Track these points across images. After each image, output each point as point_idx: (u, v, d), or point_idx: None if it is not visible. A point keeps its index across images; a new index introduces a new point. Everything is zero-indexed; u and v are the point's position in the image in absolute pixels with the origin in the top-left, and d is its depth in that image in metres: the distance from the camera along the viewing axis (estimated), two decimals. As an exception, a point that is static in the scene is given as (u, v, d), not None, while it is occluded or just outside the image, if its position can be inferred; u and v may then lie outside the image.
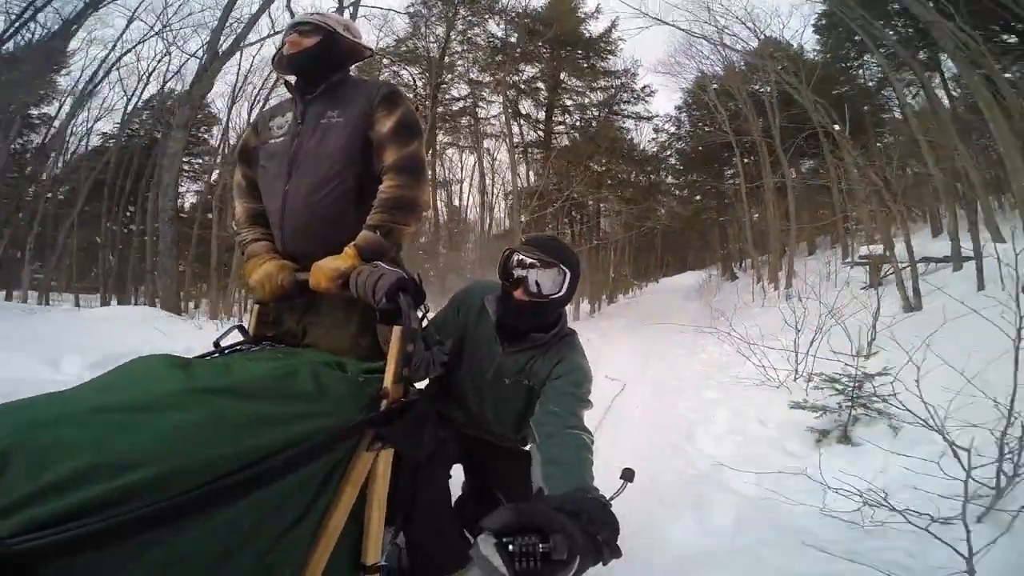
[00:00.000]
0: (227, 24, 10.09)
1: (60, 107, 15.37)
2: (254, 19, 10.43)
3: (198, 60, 13.44)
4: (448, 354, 1.41)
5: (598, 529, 0.80)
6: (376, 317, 1.20)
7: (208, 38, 10.84)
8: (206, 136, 21.57)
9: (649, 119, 19.00)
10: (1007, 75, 9.63)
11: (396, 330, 1.13)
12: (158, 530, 0.63)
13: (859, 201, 10.98)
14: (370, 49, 1.59)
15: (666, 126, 19.76)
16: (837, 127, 11.27)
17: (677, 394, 4.31)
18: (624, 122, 18.69)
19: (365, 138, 1.39)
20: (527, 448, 1.54)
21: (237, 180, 1.59)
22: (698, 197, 20.72)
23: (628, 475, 1.11)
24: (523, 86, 17.72)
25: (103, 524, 0.59)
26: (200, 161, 22.01)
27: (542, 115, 17.78)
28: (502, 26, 17.36)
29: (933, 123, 10.70)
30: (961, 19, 8.50)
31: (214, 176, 17.36)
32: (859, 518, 1.83)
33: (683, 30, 15.10)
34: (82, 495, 0.61)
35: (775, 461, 2.47)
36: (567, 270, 1.34)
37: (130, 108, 17.04)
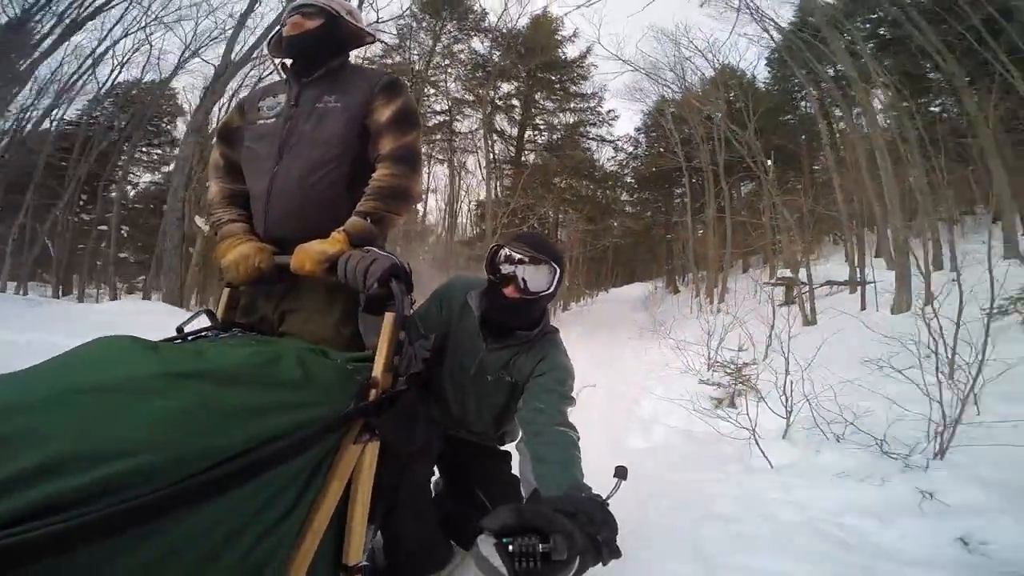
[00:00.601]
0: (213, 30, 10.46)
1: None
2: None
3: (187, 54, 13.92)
4: (430, 350, 1.41)
5: (598, 529, 0.79)
6: (361, 306, 1.18)
7: (188, 41, 11.30)
8: (169, 127, 21.54)
9: (612, 142, 20.72)
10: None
11: (388, 316, 1.10)
12: (138, 529, 0.56)
13: (780, 230, 12.92)
14: (372, 35, 1.57)
15: (625, 146, 21.71)
16: (769, 163, 13.33)
17: (629, 383, 5.72)
18: (588, 143, 20.29)
19: (363, 126, 1.38)
20: (505, 447, 1.62)
21: (214, 160, 1.54)
22: (648, 213, 22.71)
23: (622, 473, 1.06)
24: (500, 102, 18.98)
25: (75, 522, 0.51)
26: (159, 152, 21.89)
27: (515, 131, 19.07)
28: (486, 44, 18.63)
29: (853, 156, 12.66)
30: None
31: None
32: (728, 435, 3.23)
33: (653, 77, 16.93)
34: (52, 489, 0.53)
35: (692, 427, 3.85)
36: (557, 267, 1.34)
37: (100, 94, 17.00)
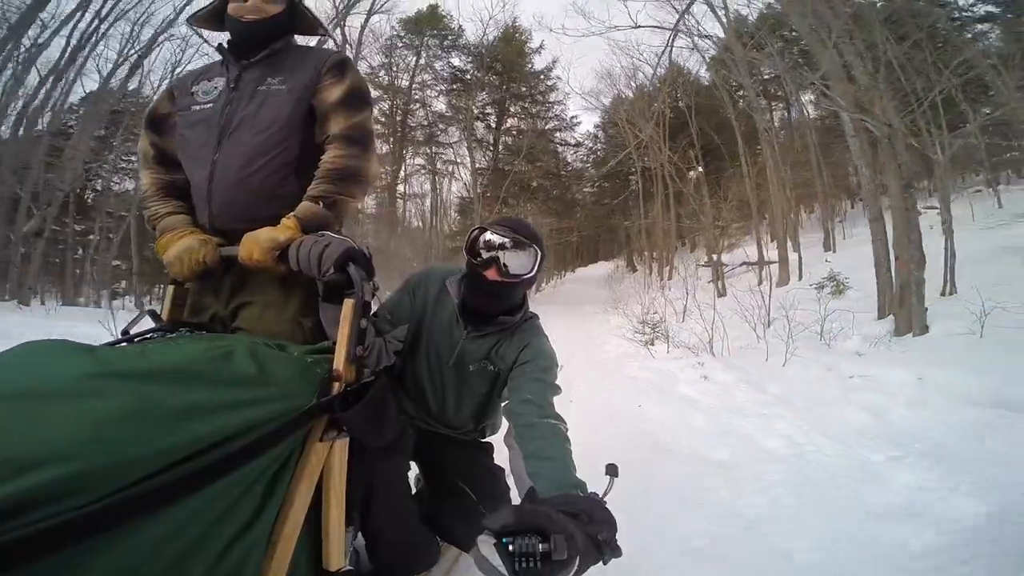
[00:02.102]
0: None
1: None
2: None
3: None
4: (402, 341, 1.38)
5: (598, 529, 0.78)
6: (320, 295, 1.11)
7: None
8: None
9: (576, 145, 23.57)
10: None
11: (347, 303, 1.03)
12: (70, 546, 0.50)
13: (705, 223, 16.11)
14: (324, 28, 1.49)
15: (586, 142, 24.63)
16: (693, 173, 16.50)
17: (593, 340, 8.67)
18: (556, 147, 23.02)
19: (309, 107, 1.30)
20: (486, 440, 1.59)
21: (143, 149, 1.41)
22: (607, 200, 25.75)
23: (613, 470, 1.03)
24: (477, 111, 21.44)
25: None
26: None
27: (490, 138, 21.59)
28: (463, 59, 20.98)
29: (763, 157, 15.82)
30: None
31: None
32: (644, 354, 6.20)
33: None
34: None
35: (628, 351, 6.75)
36: (538, 248, 1.31)
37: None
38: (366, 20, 16.06)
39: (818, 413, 3.18)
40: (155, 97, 1.45)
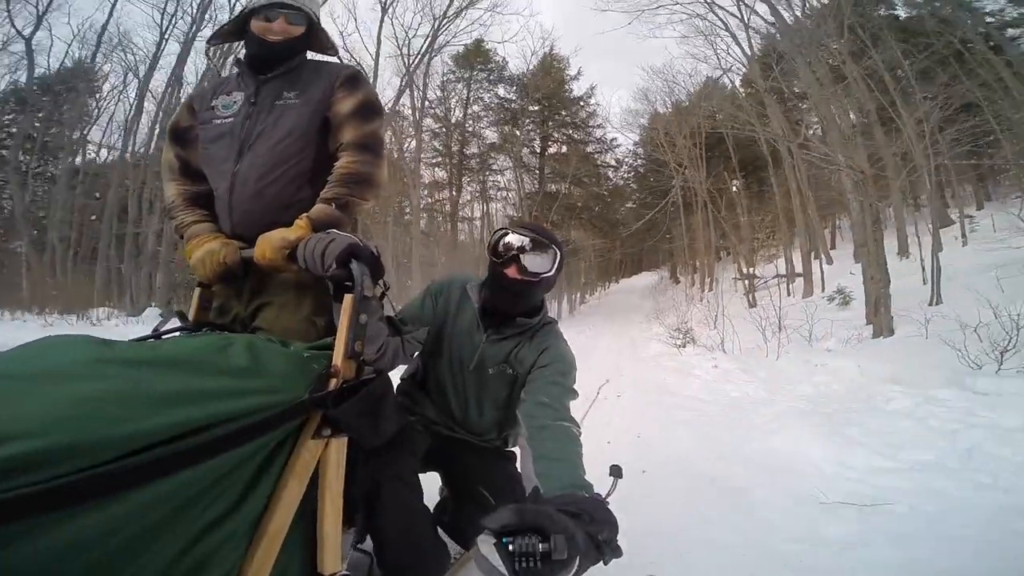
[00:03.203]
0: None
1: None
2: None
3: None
4: (422, 342, 1.43)
5: (599, 529, 0.80)
6: (332, 295, 1.11)
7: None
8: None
9: (616, 166, 25.19)
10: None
11: (347, 298, 1.03)
12: (34, 519, 0.53)
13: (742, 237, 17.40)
14: (336, 49, 1.57)
15: (626, 159, 26.24)
16: (733, 186, 17.82)
17: (636, 343, 10.29)
18: (598, 169, 24.72)
19: (324, 119, 1.36)
20: (510, 449, 1.61)
21: (168, 161, 1.49)
22: (646, 212, 27.01)
23: (617, 471, 1.07)
24: (522, 137, 23.41)
25: None
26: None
27: (536, 163, 23.47)
28: (508, 89, 23.13)
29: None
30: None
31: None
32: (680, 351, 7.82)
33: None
34: None
35: (663, 351, 8.35)
36: (557, 249, 1.35)
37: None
38: (428, 60, 18.18)
39: (780, 384, 4.79)
40: (176, 111, 1.55)
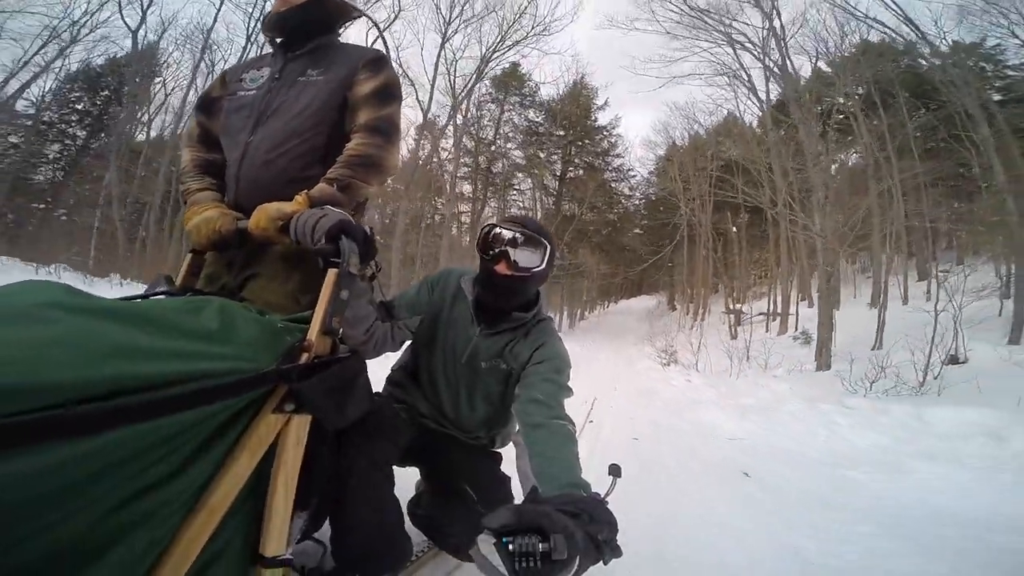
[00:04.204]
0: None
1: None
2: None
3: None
4: (413, 330, 1.42)
5: (599, 528, 0.80)
6: (321, 270, 1.07)
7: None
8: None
9: (629, 196, 27.11)
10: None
11: (330, 273, 1.02)
12: None
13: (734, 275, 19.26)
14: (359, 10, 1.57)
15: (639, 186, 28.12)
16: (735, 228, 19.69)
17: (632, 360, 12.07)
18: (612, 196, 26.61)
19: (343, 99, 1.38)
20: (497, 449, 1.60)
21: (190, 128, 1.53)
22: (654, 241, 28.84)
23: (616, 471, 1.07)
24: (545, 159, 25.26)
25: None
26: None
27: (555, 186, 25.35)
28: (538, 114, 25.02)
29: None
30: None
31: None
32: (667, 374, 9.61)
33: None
34: None
35: (652, 367, 10.14)
36: (547, 243, 1.34)
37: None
38: (474, 86, 20.04)
39: (730, 395, 6.56)
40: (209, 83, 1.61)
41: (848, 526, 2.33)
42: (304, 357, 0.92)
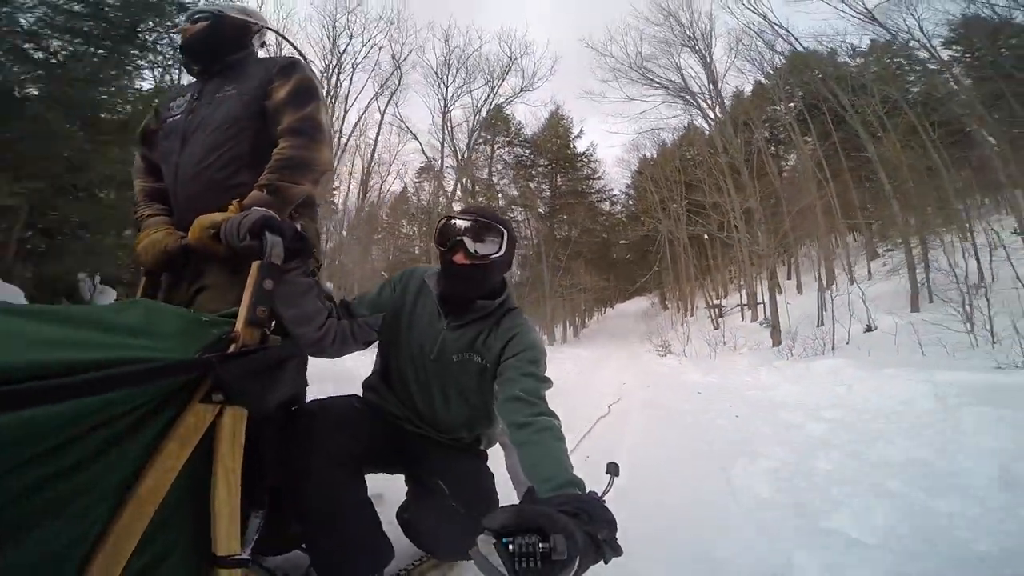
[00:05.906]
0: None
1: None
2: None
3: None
4: (377, 328, 1.42)
5: (598, 528, 0.80)
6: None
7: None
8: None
9: (609, 213, 30.30)
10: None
11: (253, 265, 1.04)
12: None
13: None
14: (260, 20, 1.63)
15: (620, 199, 31.18)
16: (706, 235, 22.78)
17: (636, 353, 14.91)
18: (597, 216, 29.74)
19: (262, 107, 1.43)
20: (481, 448, 1.56)
21: (136, 162, 1.61)
22: (640, 248, 31.76)
23: (613, 469, 1.06)
24: (536, 191, 28.34)
25: None
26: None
27: (544, 211, 28.29)
28: (526, 150, 28.20)
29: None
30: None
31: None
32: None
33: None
34: None
35: (651, 356, 12.97)
36: (503, 228, 1.33)
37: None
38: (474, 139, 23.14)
39: (706, 368, 9.40)
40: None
41: (737, 407, 5.18)
42: (232, 348, 0.94)
